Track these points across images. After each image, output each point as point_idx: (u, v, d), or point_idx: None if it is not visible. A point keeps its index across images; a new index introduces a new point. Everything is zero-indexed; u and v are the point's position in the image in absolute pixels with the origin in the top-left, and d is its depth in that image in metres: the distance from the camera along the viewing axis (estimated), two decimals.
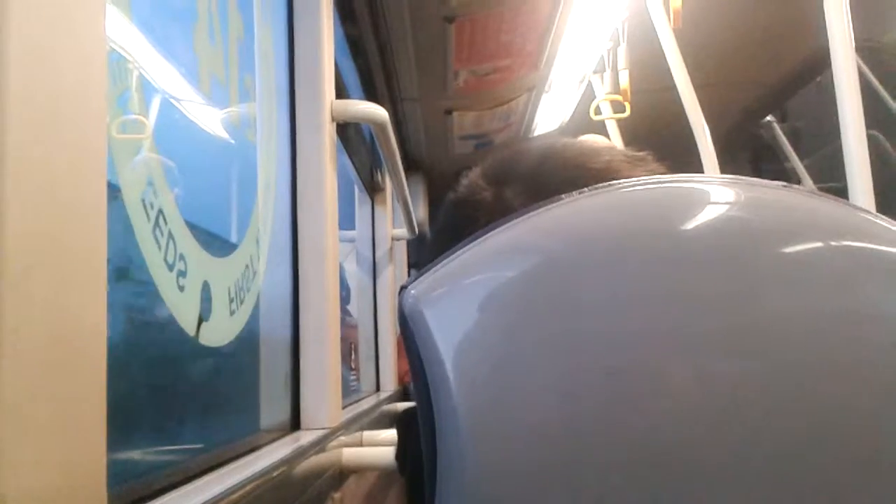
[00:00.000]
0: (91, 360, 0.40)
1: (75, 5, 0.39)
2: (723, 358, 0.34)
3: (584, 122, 3.05)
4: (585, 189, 0.38)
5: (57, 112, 0.38)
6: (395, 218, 2.50)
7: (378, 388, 2.38)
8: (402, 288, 0.38)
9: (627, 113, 2.70)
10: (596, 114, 2.90)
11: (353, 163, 2.02)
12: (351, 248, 2.41)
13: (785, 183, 0.38)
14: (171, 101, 0.70)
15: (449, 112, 2.98)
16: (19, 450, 0.34)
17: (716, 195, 0.38)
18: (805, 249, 0.35)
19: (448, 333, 0.36)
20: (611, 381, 0.33)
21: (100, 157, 0.42)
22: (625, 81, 2.58)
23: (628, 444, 0.33)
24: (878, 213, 0.37)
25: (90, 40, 0.41)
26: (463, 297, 0.37)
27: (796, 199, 0.37)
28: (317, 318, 1.06)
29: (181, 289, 0.67)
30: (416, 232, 2.52)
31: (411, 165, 3.52)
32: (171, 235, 0.65)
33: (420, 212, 3.65)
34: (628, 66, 2.55)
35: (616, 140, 2.94)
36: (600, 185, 0.38)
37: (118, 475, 0.44)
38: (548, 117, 3.51)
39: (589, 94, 3.09)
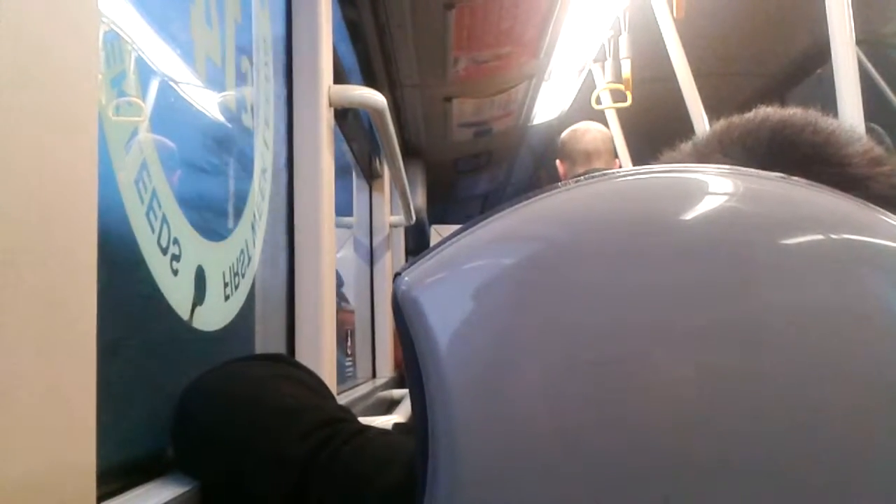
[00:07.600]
0: (80, 348, 0.40)
1: None
2: (717, 350, 0.33)
3: (583, 110, 3.04)
4: (581, 178, 0.38)
5: (47, 93, 0.37)
6: (394, 205, 2.50)
7: (374, 375, 2.38)
8: (397, 275, 0.38)
9: (629, 102, 2.68)
10: (597, 103, 2.89)
11: (351, 149, 2.01)
12: (349, 234, 2.40)
13: (783, 174, 0.37)
14: (167, 83, 0.69)
15: (448, 99, 2.97)
16: (8, 440, 0.34)
17: (713, 186, 0.37)
18: (803, 242, 0.35)
19: (442, 321, 0.36)
20: (601, 372, 0.33)
21: (90, 138, 0.41)
22: (627, 71, 2.56)
23: (618, 436, 0.33)
24: (876, 207, 0.37)
25: (83, 19, 0.40)
26: (457, 284, 0.37)
27: (794, 191, 0.37)
28: (312, 304, 1.06)
29: (175, 273, 0.66)
30: (414, 219, 2.51)
31: (410, 152, 3.51)
32: (164, 219, 0.64)
33: (418, 199, 3.64)
34: (630, 55, 2.54)
35: (616, 130, 2.93)
36: (597, 174, 0.38)
37: (104, 460, 0.44)
38: (547, 106, 3.50)
39: (589, 83, 3.08)
